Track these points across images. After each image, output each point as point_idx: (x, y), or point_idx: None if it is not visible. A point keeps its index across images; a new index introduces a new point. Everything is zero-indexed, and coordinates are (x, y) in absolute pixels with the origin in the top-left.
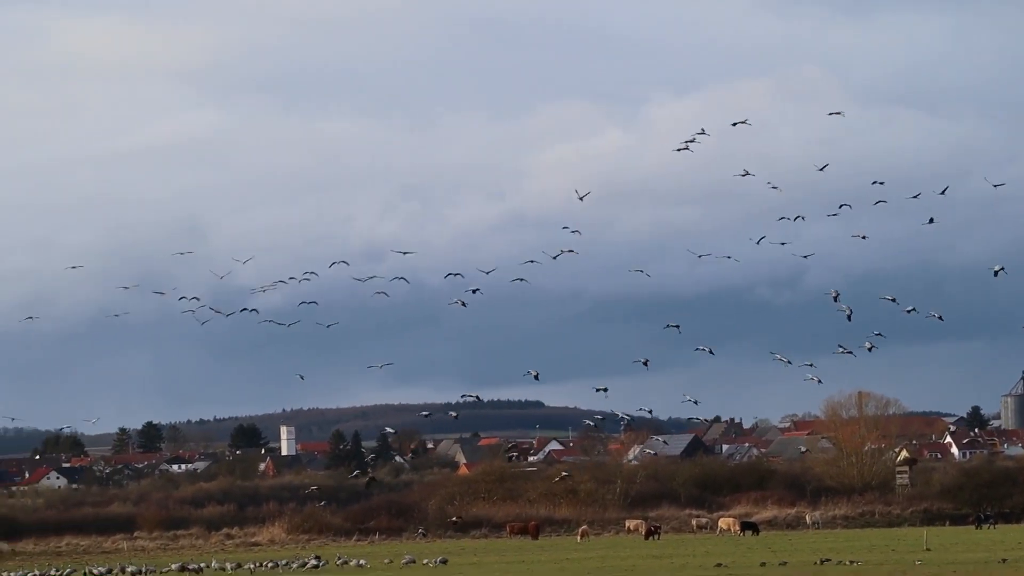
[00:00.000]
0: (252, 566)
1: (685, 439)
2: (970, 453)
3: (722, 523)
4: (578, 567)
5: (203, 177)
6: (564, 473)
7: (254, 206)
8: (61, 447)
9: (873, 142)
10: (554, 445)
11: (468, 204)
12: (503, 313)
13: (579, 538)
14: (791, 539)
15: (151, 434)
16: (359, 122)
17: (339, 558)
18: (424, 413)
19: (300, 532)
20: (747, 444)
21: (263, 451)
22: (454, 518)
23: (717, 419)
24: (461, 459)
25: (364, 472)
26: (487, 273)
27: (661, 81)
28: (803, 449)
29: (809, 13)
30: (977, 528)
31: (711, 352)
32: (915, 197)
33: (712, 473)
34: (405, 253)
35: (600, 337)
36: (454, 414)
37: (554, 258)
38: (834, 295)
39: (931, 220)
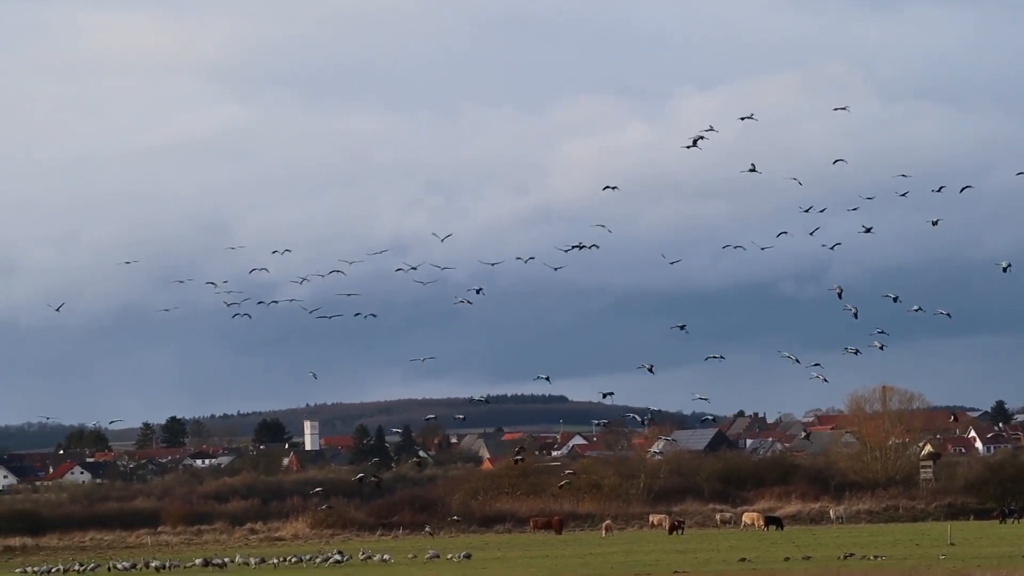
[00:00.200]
0: (276, 561)
1: (708, 434)
2: (994, 447)
3: (746, 518)
4: (602, 562)
5: (228, 172)
6: (567, 476)
7: (279, 201)
8: (85, 442)
9: (898, 136)
10: (578, 440)
11: (493, 198)
12: (528, 307)
13: (604, 533)
14: (815, 534)
15: (175, 429)
16: (384, 117)
17: (362, 553)
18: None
19: (324, 527)
20: (771, 439)
21: (287, 446)
22: (455, 516)
23: (741, 414)
24: (485, 454)
25: (387, 467)
26: (492, 265)
27: (686, 76)
28: (803, 434)
29: (834, 8)
30: (1001, 522)
31: (721, 358)
32: (938, 191)
33: (736, 468)
34: (443, 238)
35: (624, 331)
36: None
37: (566, 251)
38: (838, 291)
39: (935, 222)
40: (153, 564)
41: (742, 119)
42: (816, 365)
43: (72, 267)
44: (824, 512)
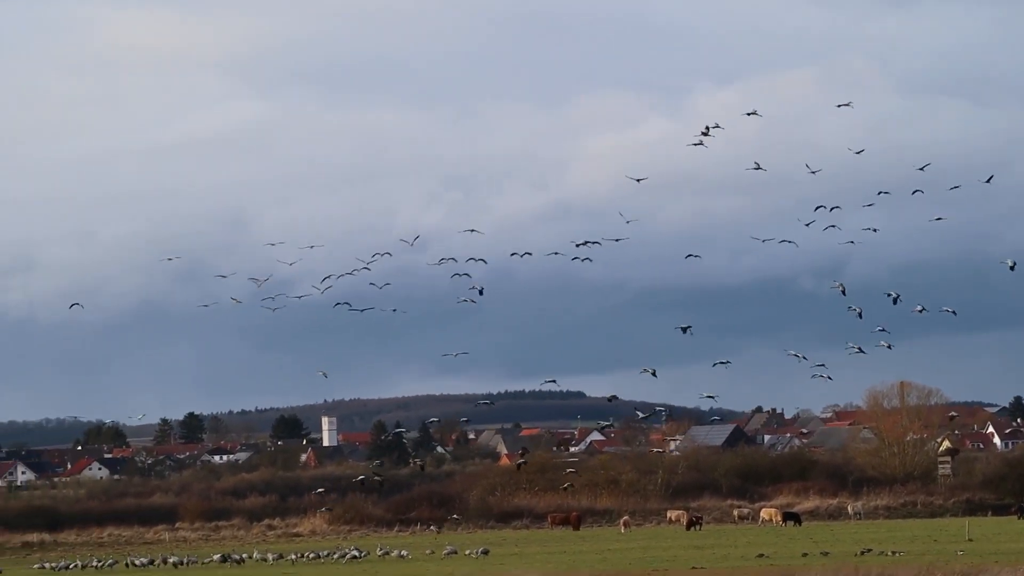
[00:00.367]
0: (293, 557)
1: (726, 429)
2: (1012, 443)
3: (764, 514)
4: (620, 558)
5: (247, 168)
6: (569, 480)
7: (298, 197)
8: (103, 438)
9: (917, 132)
10: (595, 436)
11: (511, 194)
12: (546, 303)
13: (622, 529)
14: (833, 529)
15: (193, 425)
16: (403, 113)
17: (380, 549)
18: (464, 419)
19: (341, 523)
20: (789, 434)
21: (304, 442)
22: (454, 515)
23: (759, 409)
24: (503, 449)
25: (404, 463)
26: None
27: (704, 71)
28: (804, 431)
29: (851, 2)
30: (1020, 518)
31: (728, 363)
32: (955, 188)
33: (754, 464)
34: (472, 231)
35: (643, 327)
36: (465, 419)
37: (578, 245)
38: (840, 288)
39: (938, 219)
40: (171, 560)
41: (748, 114)
42: (820, 365)
43: (91, 264)
44: (842, 508)
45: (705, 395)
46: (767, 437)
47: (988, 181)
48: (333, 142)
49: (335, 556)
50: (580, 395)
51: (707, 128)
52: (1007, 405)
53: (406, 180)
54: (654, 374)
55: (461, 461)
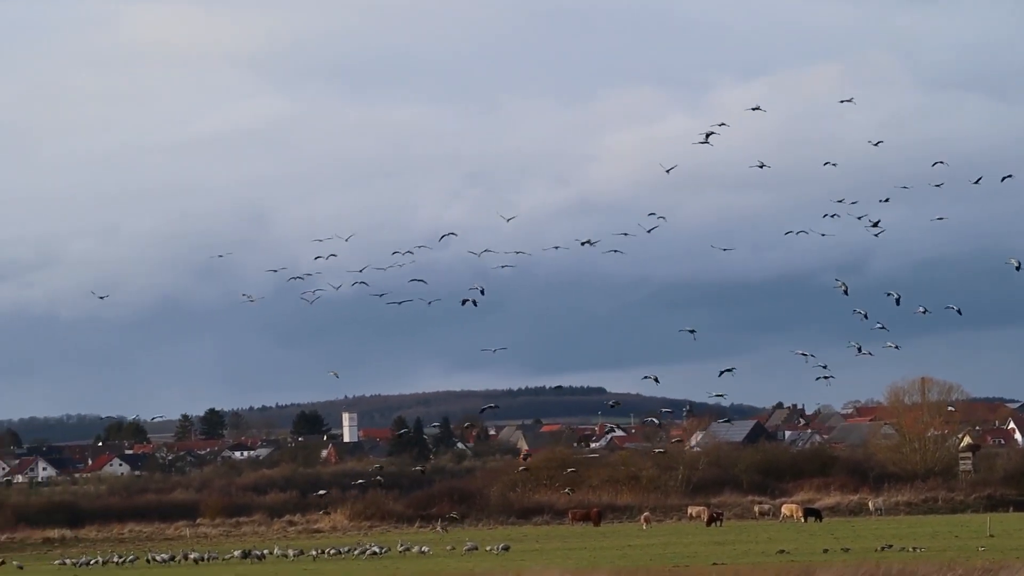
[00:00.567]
0: (314, 553)
1: (747, 425)
2: None
3: (785, 509)
4: (640, 554)
5: (269, 164)
6: (569, 482)
7: (319, 193)
8: (124, 434)
9: (940, 126)
10: (616, 431)
11: (533, 190)
12: (567, 298)
13: (643, 524)
14: (854, 525)
15: (213, 421)
16: (425, 108)
17: (401, 544)
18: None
19: (362, 519)
20: (809, 430)
21: (325, 438)
22: (453, 514)
23: (779, 405)
24: (523, 445)
25: (426, 459)
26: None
27: (727, 66)
28: (801, 422)
29: None
30: None
31: (732, 370)
32: (976, 182)
33: (774, 459)
34: (509, 219)
35: (664, 323)
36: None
37: (582, 243)
38: (843, 288)
39: (939, 218)
40: (192, 556)
41: (752, 110)
42: (823, 367)
43: (113, 260)
44: (863, 504)
45: (714, 394)
46: (788, 433)
47: (1003, 181)
48: (355, 138)
49: (356, 552)
50: (600, 391)
51: (715, 126)
52: None
53: (428, 176)
54: (656, 380)
55: (482, 457)
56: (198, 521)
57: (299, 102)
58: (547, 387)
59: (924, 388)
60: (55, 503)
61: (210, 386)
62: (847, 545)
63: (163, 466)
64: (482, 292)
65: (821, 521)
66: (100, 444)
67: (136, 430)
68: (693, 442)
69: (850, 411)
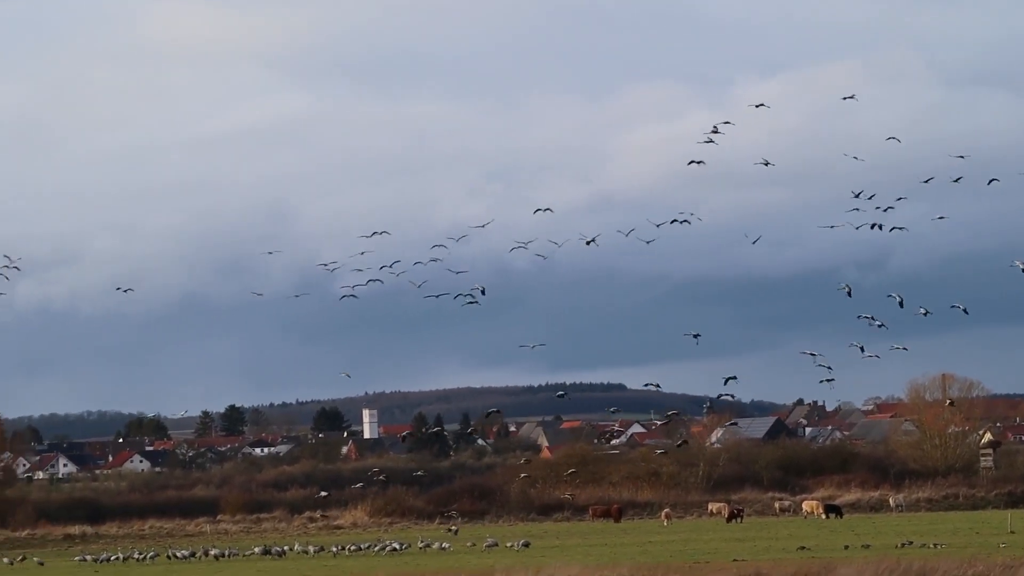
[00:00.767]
0: (335, 550)
1: (768, 422)
2: None
3: (806, 506)
4: (661, 550)
5: (290, 161)
6: (568, 485)
7: (340, 190)
8: (144, 430)
9: (961, 123)
10: (636, 428)
11: (553, 186)
12: (588, 295)
13: (664, 521)
14: (874, 522)
15: (234, 417)
16: (446, 105)
17: (421, 541)
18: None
19: (382, 515)
20: (830, 427)
21: (345, 434)
22: (452, 512)
23: (800, 402)
24: (543, 442)
25: (446, 456)
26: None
27: (748, 62)
28: (803, 422)
29: None
30: None
31: (735, 379)
32: (989, 183)
33: (795, 456)
34: (544, 210)
35: (684, 319)
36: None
37: (587, 243)
38: (847, 290)
39: (940, 218)
40: (212, 552)
41: (756, 106)
42: (828, 368)
43: (134, 256)
44: (884, 500)
45: (722, 393)
46: (808, 429)
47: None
48: (375, 134)
49: (376, 548)
50: (621, 387)
51: (715, 127)
52: None
53: (448, 172)
54: (657, 387)
55: (502, 454)
56: (219, 517)
57: (320, 99)
58: (567, 383)
59: (945, 384)
60: (76, 499)
61: (231, 382)
62: (868, 541)
63: (183, 462)
64: (483, 292)
65: (842, 517)
66: (121, 440)
67: (157, 426)
68: (713, 439)
69: (871, 407)
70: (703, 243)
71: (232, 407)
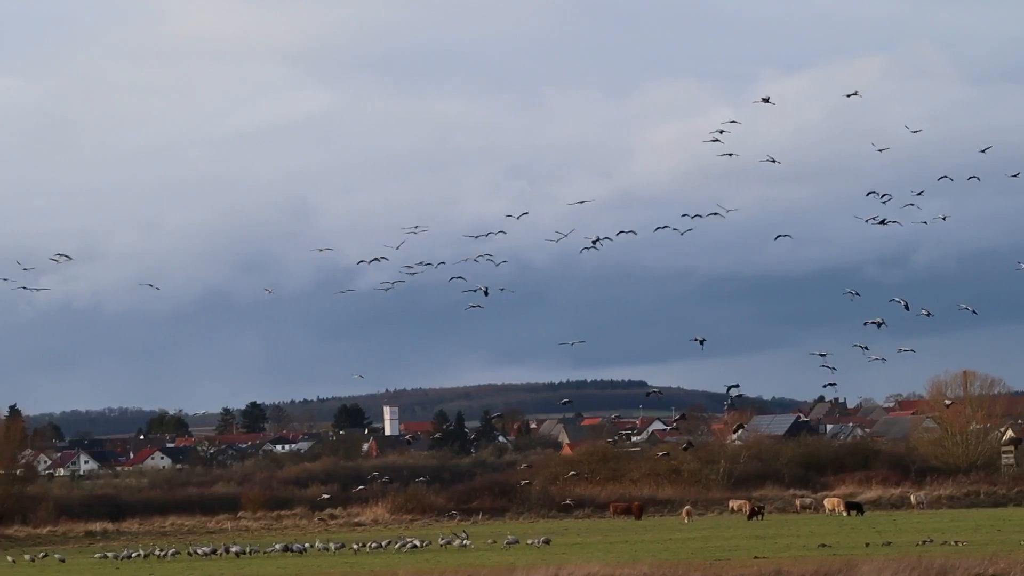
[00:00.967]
0: (356, 547)
1: (789, 419)
2: None
3: (827, 503)
4: (681, 547)
5: (312, 158)
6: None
7: (362, 187)
8: (166, 427)
9: (985, 119)
10: (657, 425)
11: (576, 183)
12: (610, 291)
13: (685, 518)
14: (896, 519)
15: (255, 414)
16: (468, 101)
17: (442, 538)
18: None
19: (403, 512)
20: (851, 424)
21: (366, 431)
22: (452, 512)
23: (821, 399)
24: (564, 439)
25: (467, 453)
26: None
27: (770, 59)
28: (801, 417)
29: None
30: None
31: (737, 386)
32: (1015, 176)
33: (816, 453)
34: (582, 202)
35: (706, 316)
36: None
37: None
38: (852, 294)
39: (943, 217)
40: (233, 549)
41: (762, 100)
42: (833, 370)
43: (156, 253)
44: (905, 497)
45: (733, 395)
46: (830, 426)
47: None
48: (398, 131)
49: (397, 545)
50: (642, 384)
51: (726, 122)
52: None
53: (470, 169)
54: (660, 393)
55: (523, 451)
56: (239, 514)
57: (342, 96)
58: (588, 380)
59: (966, 382)
60: (97, 496)
61: (252, 379)
62: (889, 539)
63: (204, 459)
64: (486, 293)
65: (863, 515)
66: (142, 437)
67: (178, 423)
68: (734, 435)
69: (892, 404)
70: (726, 240)
71: (253, 404)
